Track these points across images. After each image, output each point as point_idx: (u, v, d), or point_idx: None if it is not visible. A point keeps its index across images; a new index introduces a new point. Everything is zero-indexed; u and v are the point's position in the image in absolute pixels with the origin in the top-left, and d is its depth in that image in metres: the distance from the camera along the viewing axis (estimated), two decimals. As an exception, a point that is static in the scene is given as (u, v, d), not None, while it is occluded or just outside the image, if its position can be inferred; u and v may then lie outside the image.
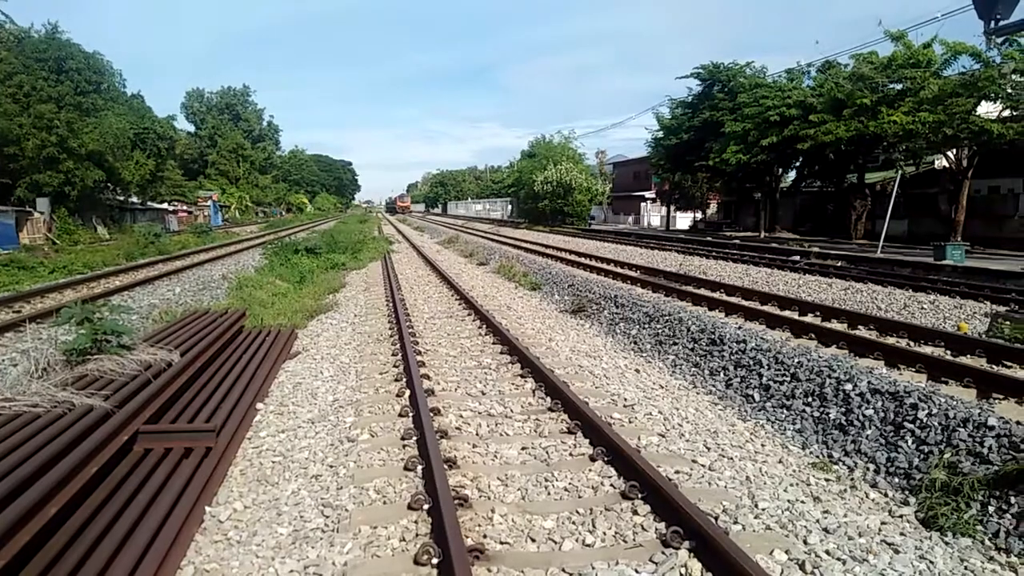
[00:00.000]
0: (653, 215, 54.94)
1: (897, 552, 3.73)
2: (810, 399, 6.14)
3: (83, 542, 3.45)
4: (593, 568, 3.52)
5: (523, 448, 5.29)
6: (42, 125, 27.53)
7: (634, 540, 3.83)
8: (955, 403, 5.18)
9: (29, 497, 3.25)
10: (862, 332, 8.77)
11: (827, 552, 3.67)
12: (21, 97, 28.39)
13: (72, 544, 3.45)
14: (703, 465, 4.94)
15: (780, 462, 5.17)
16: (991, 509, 4.08)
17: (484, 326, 10.20)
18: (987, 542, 3.91)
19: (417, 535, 3.89)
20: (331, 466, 5.02)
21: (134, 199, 39.51)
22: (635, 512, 4.14)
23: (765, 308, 10.59)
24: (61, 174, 28.08)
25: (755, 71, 34.55)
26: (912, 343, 8.17)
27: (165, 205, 46.58)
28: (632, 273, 16.18)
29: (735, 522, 4.00)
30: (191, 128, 77.94)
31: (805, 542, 3.79)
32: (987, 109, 22.23)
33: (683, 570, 3.50)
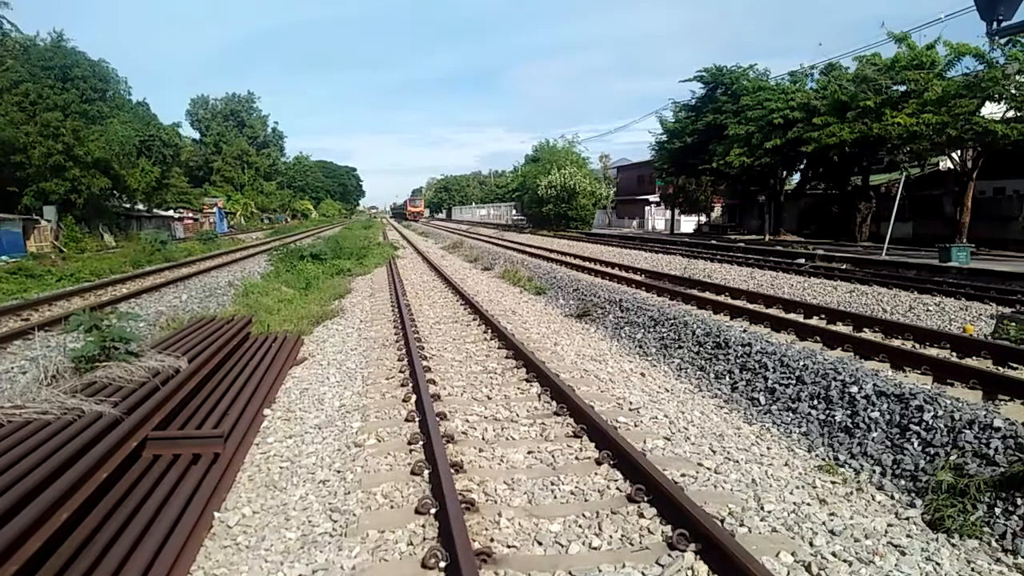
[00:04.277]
0: (657, 219, 54.91)
1: (903, 554, 3.73)
2: (816, 402, 6.14)
3: (94, 548, 3.48)
4: (600, 571, 3.54)
5: (529, 452, 5.31)
6: (48, 133, 27.70)
7: (640, 543, 3.84)
8: (961, 405, 5.18)
9: (40, 503, 3.29)
10: (867, 334, 8.76)
11: (833, 554, 3.67)
12: (27, 105, 28.58)
13: (83, 550, 3.48)
14: (709, 468, 4.95)
15: (786, 465, 5.17)
16: (997, 511, 4.07)
17: (489, 331, 10.22)
18: (994, 543, 3.91)
19: (424, 539, 3.91)
20: (338, 471, 5.05)
21: (140, 206, 39.81)
22: (641, 515, 4.15)
23: (770, 311, 10.59)
24: (67, 182, 28.22)
25: (758, 74, 34.47)
26: (917, 345, 8.17)
27: (171, 212, 46.94)
28: (637, 277, 16.20)
29: (741, 524, 4.01)
30: (196, 135, 78.49)
31: (811, 544, 3.79)
32: (991, 110, 22.18)
33: (689, 572, 3.51)
